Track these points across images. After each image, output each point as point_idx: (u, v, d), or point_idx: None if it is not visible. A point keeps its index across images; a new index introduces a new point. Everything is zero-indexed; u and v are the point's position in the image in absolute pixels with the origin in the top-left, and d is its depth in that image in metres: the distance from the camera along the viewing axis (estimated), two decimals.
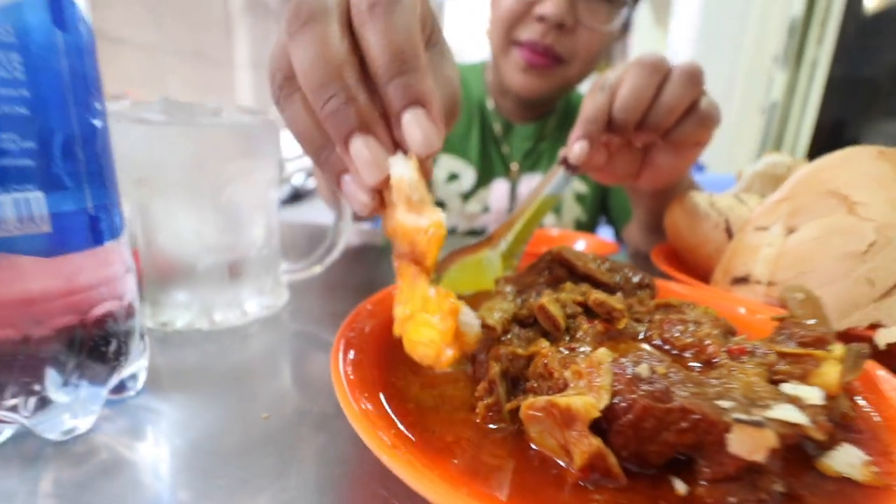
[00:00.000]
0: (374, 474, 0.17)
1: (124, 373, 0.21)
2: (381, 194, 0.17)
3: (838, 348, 0.14)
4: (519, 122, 0.69)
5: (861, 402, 0.17)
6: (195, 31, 7.08)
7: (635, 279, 0.22)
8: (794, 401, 0.12)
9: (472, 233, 0.69)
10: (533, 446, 0.14)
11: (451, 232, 0.69)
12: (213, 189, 0.28)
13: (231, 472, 0.18)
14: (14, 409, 0.18)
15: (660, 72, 0.31)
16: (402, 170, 0.16)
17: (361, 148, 0.16)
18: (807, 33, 2.34)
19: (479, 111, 0.69)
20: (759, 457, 0.11)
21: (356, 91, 0.16)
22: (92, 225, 0.18)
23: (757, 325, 0.22)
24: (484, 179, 0.68)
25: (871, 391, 0.18)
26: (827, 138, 2.48)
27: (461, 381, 0.18)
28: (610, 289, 0.22)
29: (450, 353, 0.14)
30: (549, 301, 0.18)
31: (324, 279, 0.39)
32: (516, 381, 0.16)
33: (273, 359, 0.28)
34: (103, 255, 0.19)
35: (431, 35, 0.21)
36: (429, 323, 0.14)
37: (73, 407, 0.19)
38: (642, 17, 5.98)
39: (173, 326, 0.30)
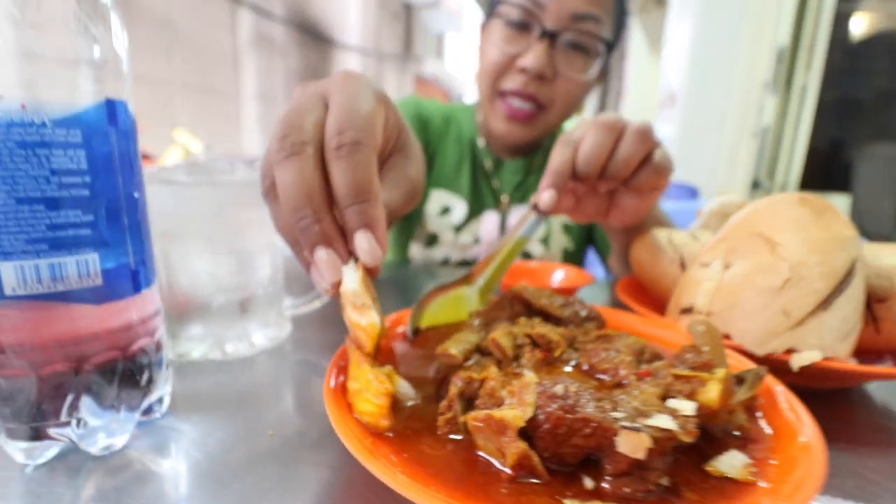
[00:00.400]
0: (360, 481, 0.21)
1: (152, 398, 0.25)
2: (338, 285, 0.21)
3: (721, 372, 0.18)
4: (508, 157, 0.74)
5: (761, 414, 0.21)
6: (204, 65, 7.32)
7: (583, 313, 0.26)
8: (672, 412, 0.16)
9: (464, 263, 0.73)
10: (480, 452, 0.18)
11: (445, 262, 0.73)
12: (228, 237, 0.33)
13: (242, 481, 0.21)
14: (64, 428, 0.22)
15: (615, 130, 0.36)
16: (349, 281, 0.21)
17: (323, 256, 0.21)
18: (795, 60, 2.42)
19: (470, 148, 0.74)
20: (640, 455, 0.15)
21: (322, 214, 0.21)
22: (133, 276, 0.22)
23: None
24: (475, 212, 0.72)
25: (770, 406, 0.21)
26: (820, 160, 2.53)
27: (432, 401, 0.22)
28: (562, 321, 0.26)
29: (384, 423, 0.19)
30: (500, 335, 0.22)
31: (322, 312, 0.43)
32: (471, 400, 0.19)
33: (277, 385, 0.32)
34: (140, 300, 0.23)
35: (398, 142, 0.26)
36: (369, 401, 0.19)
37: (111, 427, 0.23)
38: (637, 43, 6.13)
39: (190, 357, 0.34)
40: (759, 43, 2.43)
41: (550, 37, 0.58)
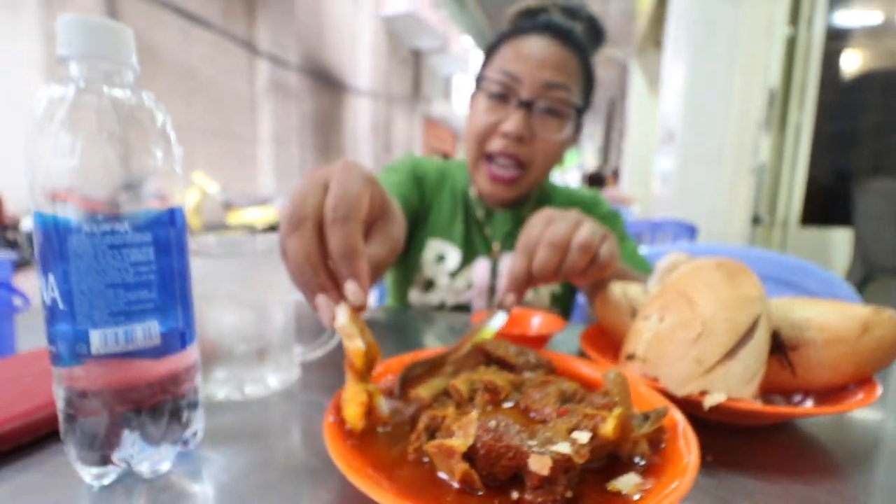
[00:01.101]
0: (352, 499, 0.27)
1: (189, 432, 0.32)
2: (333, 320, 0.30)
3: (618, 410, 0.24)
4: (499, 208, 0.82)
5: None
6: (223, 111, 7.69)
7: (533, 361, 0.33)
8: (572, 441, 0.22)
9: (458, 307, 0.79)
10: (439, 472, 0.24)
11: (441, 307, 0.80)
12: (250, 297, 0.40)
13: (260, 499, 0.28)
14: (124, 456, 0.28)
15: (561, 247, 0.43)
16: (341, 317, 0.29)
17: (322, 301, 0.29)
18: (788, 99, 2.51)
19: (462, 199, 0.82)
20: (545, 472, 0.21)
21: (318, 270, 0.30)
22: (181, 336, 0.30)
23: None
24: (468, 259, 0.79)
25: (672, 437, 0.27)
26: (820, 195, 2.58)
27: (407, 434, 0.28)
28: (515, 368, 0.32)
29: (360, 425, 0.27)
30: (459, 382, 0.28)
31: (329, 357, 0.49)
32: (434, 432, 0.26)
33: (287, 421, 0.38)
34: (185, 354, 0.30)
35: (381, 211, 0.34)
36: (351, 408, 0.27)
37: (158, 456, 0.29)
38: (637, 83, 6.30)
39: (216, 398, 0.40)
40: (751, 84, 2.54)
41: (527, 105, 0.67)
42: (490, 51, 0.74)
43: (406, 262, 0.82)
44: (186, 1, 6.78)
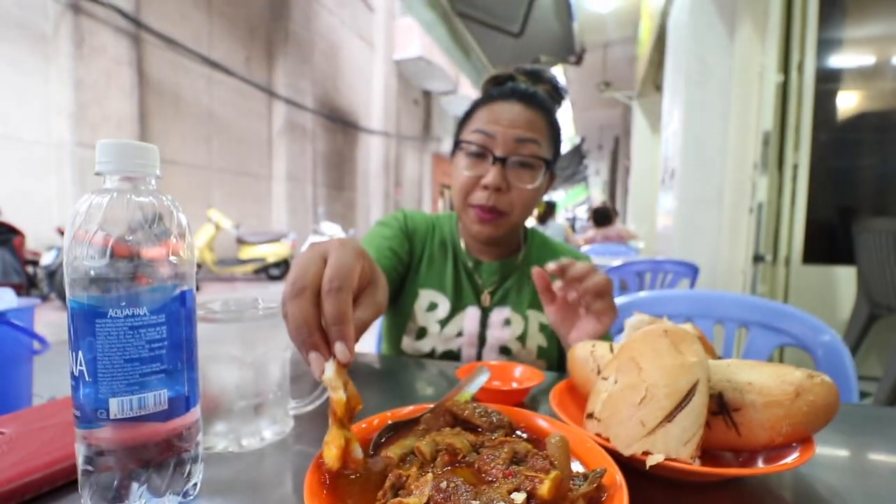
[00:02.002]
0: None
1: (189, 484, 0.36)
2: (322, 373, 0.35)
3: (554, 473, 0.28)
4: (486, 259, 0.88)
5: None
6: (240, 151, 7.99)
7: (496, 420, 0.37)
8: (510, 501, 0.26)
9: (448, 354, 0.83)
10: None
11: (430, 355, 0.84)
12: (250, 357, 0.45)
13: None
14: None
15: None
16: (328, 371, 0.34)
17: (314, 358, 0.35)
18: (783, 141, 2.56)
19: (452, 251, 0.88)
20: None
21: (312, 331, 0.35)
22: (186, 400, 0.34)
23: (584, 451, 0.36)
24: (457, 308, 0.85)
25: (612, 495, 0.31)
26: (822, 233, 2.60)
27: (377, 486, 0.32)
28: (479, 428, 0.36)
29: (336, 465, 0.31)
30: (423, 444, 0.32)
31: (317, 411, 0.53)
32: (399, 490, 0.30)
33: (281, 472, 0.42)
34: (190, 415, 0.35)
35: (370, 279, 0.39)
36: (330, 449, 0.32)
37: None
38: (639, 124, 6.44)
39: (214, 450, 0.44)
40: (746, 127, 2.61)
41: (501, 160, 0.76)
42: (466, 116, 0.84)
43: (399, 311, 0.88)
44: (212, 49, 7.21)
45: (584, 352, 0.49)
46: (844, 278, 2.49)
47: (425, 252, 0.89)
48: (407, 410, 0.42)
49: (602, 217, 4.31)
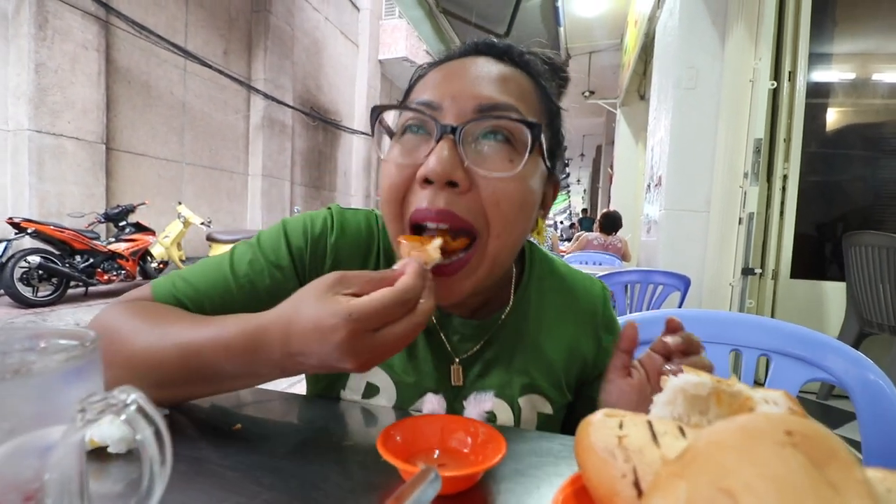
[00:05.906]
0: None
1: None
2: None
3: None
4: (458, 313, 0.55)
5: None
6: (215, 145, 7.70)
7: None
8: None
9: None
10: None
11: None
12: None
13: None
14: None
15: None
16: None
17: None
18: (773, 151, 2.49)
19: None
20: None
21: None
22: None
23: None
24: (409, 395, 0.54)
25: None
26: (811, 248, 2.54)
27: None
28: None
29: None
30: None
31: None
32: None
33: None
34: None
35: None
36: None
37: None
38: (622, 133, 6.49)
39: None
40: (736, 134, 2.53)
41: (452, 131, 0.42)
42: (406, 95, 0.52)
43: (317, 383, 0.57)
44: (188, 39, 6.90)
45: (605, 437, 0.27)
46: (833, 294, 2.43)
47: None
48: None
49: (611, 224, 3.84)
